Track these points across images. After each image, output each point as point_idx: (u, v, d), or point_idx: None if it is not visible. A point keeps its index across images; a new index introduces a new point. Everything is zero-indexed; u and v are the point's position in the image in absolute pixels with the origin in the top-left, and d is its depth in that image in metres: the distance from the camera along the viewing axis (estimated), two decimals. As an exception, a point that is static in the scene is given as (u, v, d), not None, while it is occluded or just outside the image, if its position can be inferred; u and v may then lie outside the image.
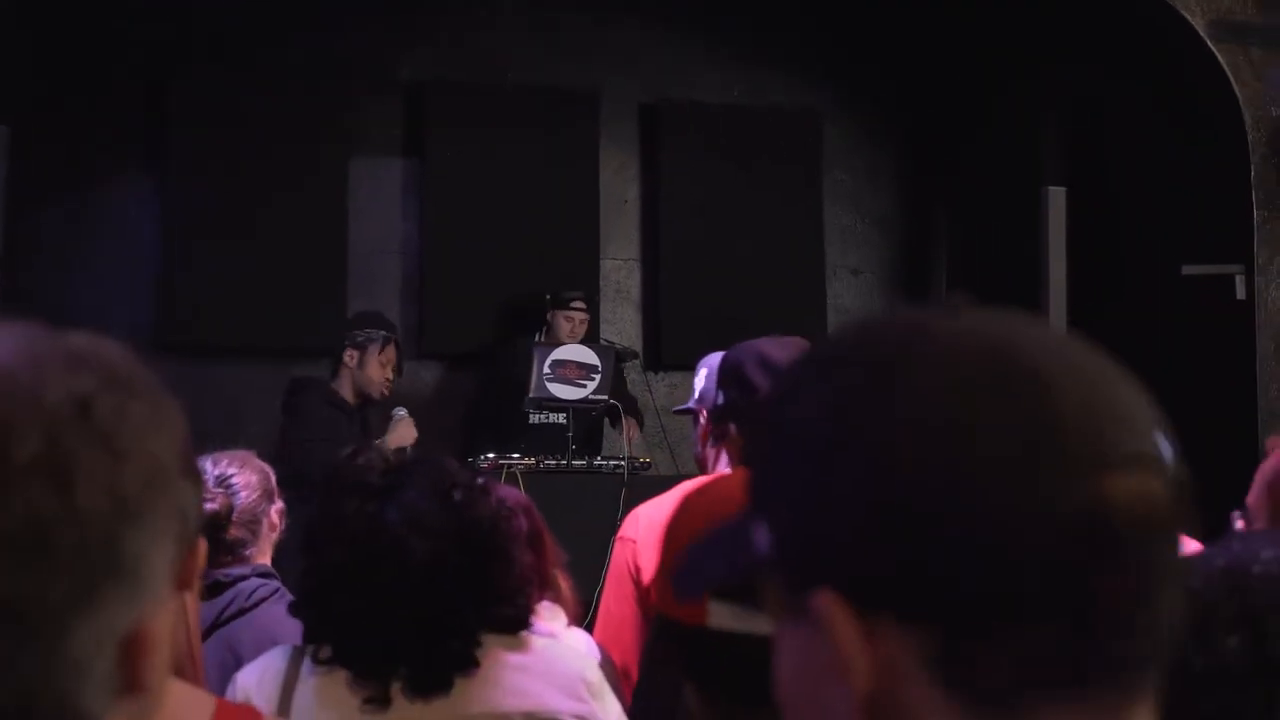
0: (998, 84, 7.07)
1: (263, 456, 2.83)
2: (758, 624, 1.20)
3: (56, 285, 6.59)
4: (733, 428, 2.78)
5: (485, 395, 6.64)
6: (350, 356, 6.00)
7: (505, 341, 6.67)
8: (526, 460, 5.78)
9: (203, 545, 1.62)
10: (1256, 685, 1.15)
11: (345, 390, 5.98)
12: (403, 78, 7.19)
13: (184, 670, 1.92)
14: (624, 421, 6.23)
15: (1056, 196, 5.96)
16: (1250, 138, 5.82)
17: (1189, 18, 5.82)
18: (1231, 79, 5.83)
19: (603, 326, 7.20)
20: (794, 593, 0.71)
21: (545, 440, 6.03)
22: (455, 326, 6.99)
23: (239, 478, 2.72)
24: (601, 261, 7.36)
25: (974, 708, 0.67)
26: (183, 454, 0.76)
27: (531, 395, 6.04)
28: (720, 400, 2.80)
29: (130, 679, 0.73)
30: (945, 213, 7.69)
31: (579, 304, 6.56)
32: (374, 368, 5.99)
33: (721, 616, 1.24)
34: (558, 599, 2.62)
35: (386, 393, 6.05)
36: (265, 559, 2.77)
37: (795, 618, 0.72)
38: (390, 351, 6.06)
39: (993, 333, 0.71)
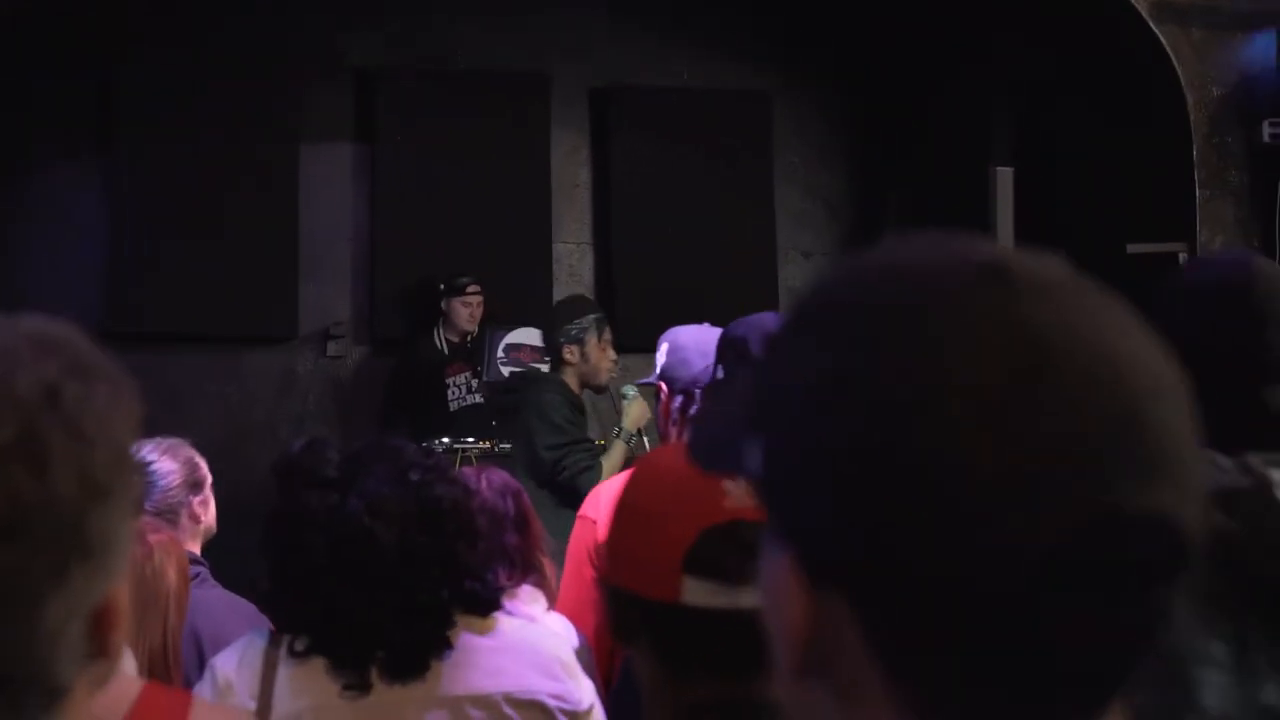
0: (946, 65, 7.11)
1: (204, 445, 2.80)
2: (738, 598, 1.20)
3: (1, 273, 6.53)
4: None
5: (403, 382, 6.57)
6: (570, 353, 5.47)
7: (424, 328, 6.64)
8: (482, 444, 5.78)
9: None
10: None
11: (574, 387, 5.57)
12: (351, 63, 7.16)
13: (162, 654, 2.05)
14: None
15: (1004, 177, 6.02)
16: (1192, 118, 5.88)
17: (1133, 0, 5.88)
18: (1174, 60, 5.89)
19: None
20: (771, 516, 0.69)
21: (468, 423, 6.02)
22: (407, 313, 6.97)
23: (159, 465, 2.68)
24: (553, 245, 7.36)
25: (915, 703, 0.65)
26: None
27: (485, 379, 6.05)
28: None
29: (97, 647, 0.77)
30: (896, 194, 7.72)
31: (474, 289, 6.53)
32: (597, 355, 5.50)
33: (697, 593, 1.21)
34: (540, 583, 2.61)
35: (614, 375, 5.68)
36: (189, 547, 2.73)
37: (771, 539, 0.70)
38: (607, 331, 5.59)
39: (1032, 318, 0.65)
